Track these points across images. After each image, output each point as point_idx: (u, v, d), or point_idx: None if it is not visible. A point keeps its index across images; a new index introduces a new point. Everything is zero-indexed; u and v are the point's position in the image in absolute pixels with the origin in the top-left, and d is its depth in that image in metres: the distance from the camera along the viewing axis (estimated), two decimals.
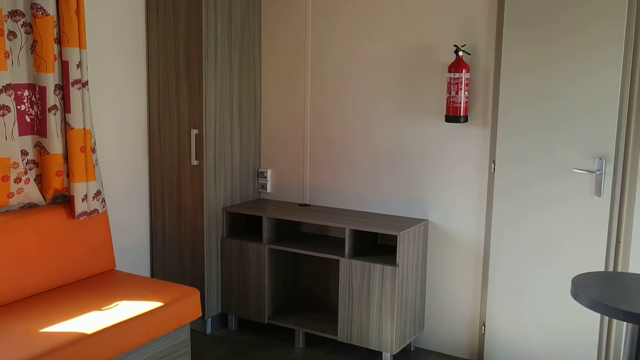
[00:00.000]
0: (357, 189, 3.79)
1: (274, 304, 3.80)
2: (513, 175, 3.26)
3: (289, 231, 3.87)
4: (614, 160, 3.02)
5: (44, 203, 3.20)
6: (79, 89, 3.18)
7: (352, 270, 3.39)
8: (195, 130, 3.64)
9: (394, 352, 3.33)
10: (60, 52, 3.13)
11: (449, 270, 3.55)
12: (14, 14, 2.97)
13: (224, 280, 3.84)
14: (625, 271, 3.08)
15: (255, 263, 3.70)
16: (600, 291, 2.31)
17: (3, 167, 2.95)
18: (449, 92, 3.30)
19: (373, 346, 3.37)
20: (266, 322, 3.73)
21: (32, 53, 3.05)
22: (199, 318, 3.72)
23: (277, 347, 3.68)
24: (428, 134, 3.53)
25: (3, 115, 2.93)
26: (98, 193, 3.31)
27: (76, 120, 3.17)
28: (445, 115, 3.35)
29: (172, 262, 3.86)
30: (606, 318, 3.15)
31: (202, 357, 3.53)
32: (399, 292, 3.30)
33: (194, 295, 3.10)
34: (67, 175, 3.22)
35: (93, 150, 3.28)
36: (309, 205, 3.92)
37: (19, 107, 3.04)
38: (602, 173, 3.04)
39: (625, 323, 2.57)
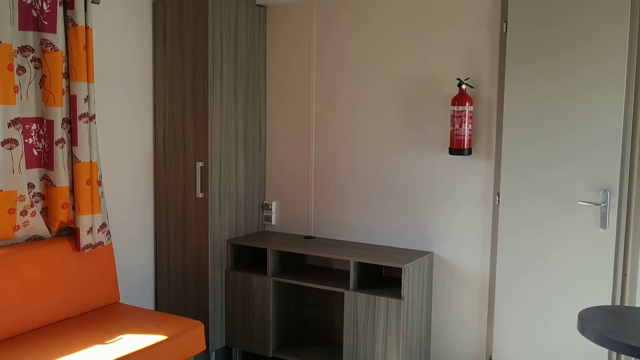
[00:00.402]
0: (361, 222, 3.79)
1: (278, 336, 3.77)
2: (518, 208, 3.26)
3: (294, 263, 3.86)
4: (618, 192, 3.02)
5: (50, 236, 3.21)
6: (86, 122, 3.21)
7: (357, 303, 3.38)
8: (200, 162, 3.66)
9: None
10: (68, 87, 3.17)
11: (455, 303, 3.53)
12: (23, 49, 3.02)
13: (228, 313, 3.82)
14: (632, 304, 3.05)
15: (260, 295, 3.69)
16: (606, 325, 2.29)
17: (10, 200, 2.97)
18: (453, 125, 3.32)
19: None
20: (270, 355, 3.69)
21: (40, 87, 3.09)
22: (203, 351, 3.69)
23: None
24: (432, 166, 3.54)
25: (11, 149, 2.96)
26: (103, 225, 3.32)
27: (83, 153, 3.20)
28: (449, 148, 3.36)
29: (176, 294, 3.85)
30: (614, 352, 3.11)
31: None
32: (404, 325, 3.28)
33: (198, 328, 3.08)
34: (73, 208, 3.24)
35: (99, 183, 3.30)
36: (314, 237, 3.91)
37: (26, 140, 3.07)
38: (607, 205, 3.04)
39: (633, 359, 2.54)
